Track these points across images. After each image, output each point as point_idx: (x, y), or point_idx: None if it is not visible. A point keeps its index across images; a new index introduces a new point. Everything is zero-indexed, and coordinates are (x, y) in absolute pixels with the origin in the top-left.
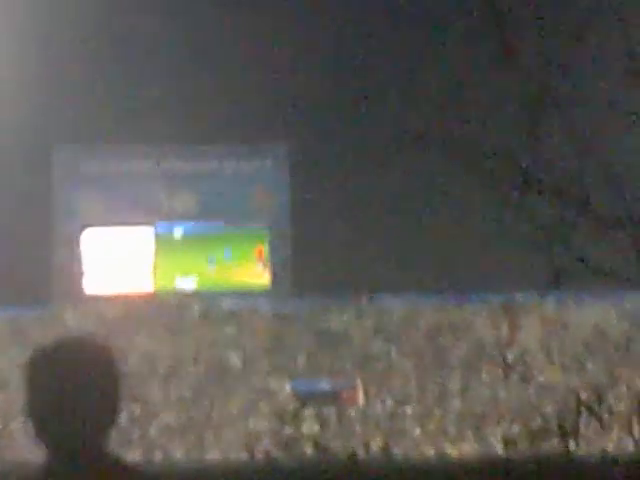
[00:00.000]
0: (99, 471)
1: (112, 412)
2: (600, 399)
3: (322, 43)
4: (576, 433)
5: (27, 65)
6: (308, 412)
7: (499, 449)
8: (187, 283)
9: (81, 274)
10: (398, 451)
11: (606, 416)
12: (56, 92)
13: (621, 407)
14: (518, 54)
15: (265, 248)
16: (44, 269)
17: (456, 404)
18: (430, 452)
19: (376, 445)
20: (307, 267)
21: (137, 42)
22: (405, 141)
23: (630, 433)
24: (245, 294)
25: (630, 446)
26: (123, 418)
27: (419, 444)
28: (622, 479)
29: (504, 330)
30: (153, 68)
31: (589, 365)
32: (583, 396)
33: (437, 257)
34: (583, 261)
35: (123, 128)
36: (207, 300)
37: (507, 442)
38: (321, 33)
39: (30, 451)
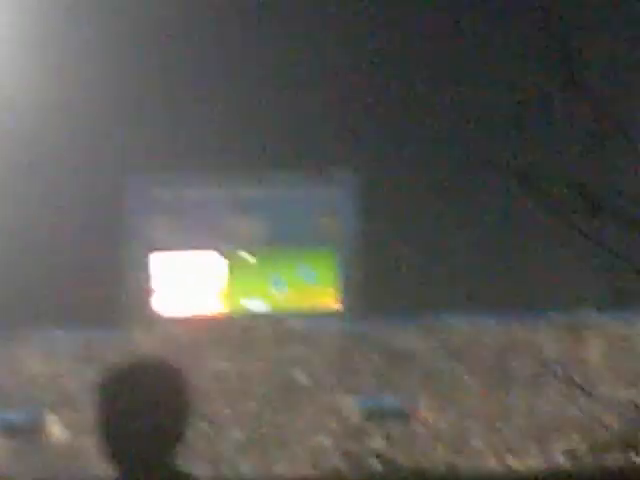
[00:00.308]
0: None
1: (182, 429)
2: None
3: (383, 78)
4: (639, 446)
5: (103, 98)
6: (375, 428)
7: (563, 462)
8: (256, 305)
9: (151, 295)
10: (464, 466)
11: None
12: (130, 123)
13: None
14: (586, 84)
15: (332, 272)
16: (115, 292)
17: (520, 419)
18: (495, 466)
19: (441, 460)
20: (374, 289)
21: (207, 74)
22: (473, 167)
23: None
24: (313, 316)
25: None
26: (193, 435)
27: (484, 458)
28: None
29: (568, 347)
30: (222, 98)
31: None
32: None
33: (503, 277)
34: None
35: (193, 157)
36: (276, 321)
37: (571, 456)
38: (385, 68)
39: (101, 468)
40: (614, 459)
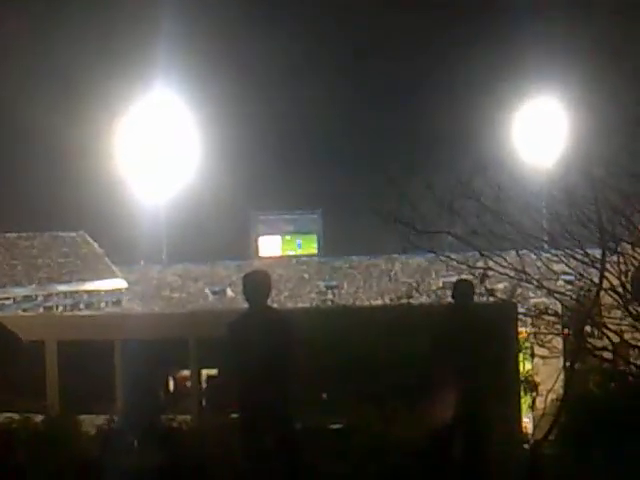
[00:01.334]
0: (263, 309)
1: (269, 292)
2: (418, 285)
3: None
4: (411, 297)
5: (229, 148)
6: (329, 292)
7: (388, 302)
8: (291, 252)
9: (258, 249)
10: (357, 304)
11: (421, 291)
12: (252, 171)
13: (425, 288)
14: None
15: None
16: (248, 249)
17: (374, 289)
18: (366, 304)
19: (350, 301)
20: (331, 248)
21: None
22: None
23: (428, 297)
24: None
25: (426, 300)
26: (271, 293)
27: (362, 301)
28: (425, 310)
29: (389, 267)
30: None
31: (415, 276)
32: (413, 284)
33: (372, 241)
34: (413, 243)
35: (270, 201)
36: (298, 258)
37: (390, 300)
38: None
39: (243, 304)
40: (405, 301)
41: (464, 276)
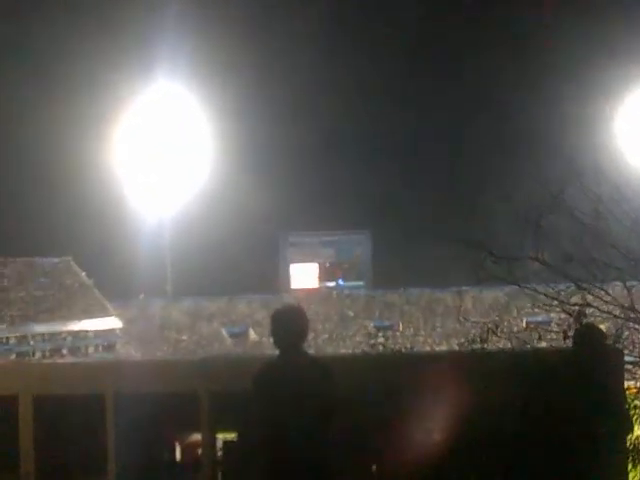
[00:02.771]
0: (298, 356)
1: (305, 334)
2: (496, 327)
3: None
4: (486, 341)
5: (253, 151)
6: (380, 334)
7: (456, 348)
8: (331, 284)
9: (290, 280)
10: (416, 349)
11: (499, 334)
12: (281, 181)
13: (505, 330)
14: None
15: (361, 271)
16: (276, 280)
17: (438, 330)
18: (428, 349)
19: (407, 346)
20: (378, 278)
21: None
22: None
23: (509, 341)
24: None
25: (509, 345)
26: (308, 337)
27: (424, 346)
28: (507, 358)
29: (458, 301)
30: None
31: (491, 314)
32: (490, 326)
33: (433, 271)
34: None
35: (305, 221)
36: (339, 291)
37: (459, 345)
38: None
39: (270, 350)
40: (477, 347)
41: (554, 314)
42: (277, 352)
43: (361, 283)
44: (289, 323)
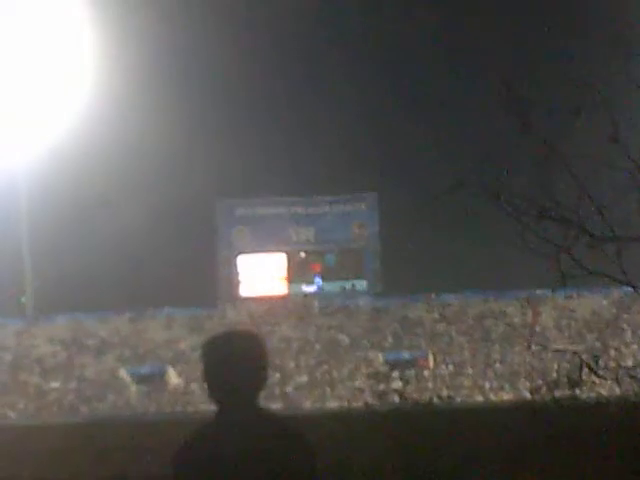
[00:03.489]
0: (252, 416)
1: (263, 377)
2: (596, 360)
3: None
4: (580, 384)
5: (196, 137)
6: (395, 374)
7: (527, 396)
8: (309, 288)
9: (238, 284)
10: (458, 399)
11: (601, 372)
12: (218, 158)
13: (612, 365)
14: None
15: (360, 264)
16: (212, 282)
17: (497, 366)
18: (480, 399)
19: (443, 396)
20: (392, 275)
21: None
22: (455, 189)
23: (617, 383)
24: (349, 294)
25: (617, 391)
26: (268, 381)
27: (472, 394)
28: (616, 412)
29: (529, 315)
30: (285, 144)
31: (588, 337)
32: (584, 358)
33: (482, 266)
34: (582, 266)
35: (264, 185)
36: (324, 299)
37: (532, 391)
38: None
39: (205, 404)
40: (563, 393)
41: None
42: (214, 409)
43: (363, 284)
44: (234, 360)
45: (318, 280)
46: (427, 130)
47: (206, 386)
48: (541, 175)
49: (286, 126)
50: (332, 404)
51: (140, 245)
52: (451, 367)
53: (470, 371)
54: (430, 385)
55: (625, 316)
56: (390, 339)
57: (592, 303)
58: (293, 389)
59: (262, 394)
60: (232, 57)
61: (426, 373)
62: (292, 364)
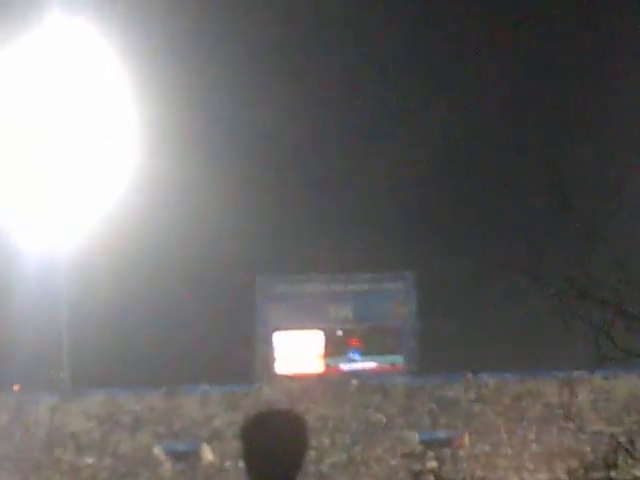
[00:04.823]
0: None
1: (302, 461)
2: (633, 442)
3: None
4: (616, 466)
5: (234, 214)
6: (430, 454)
7: (563, 477)
8: (345, 366)
9: (274, 361)
10: (493, 479)
11: (637, 454)
12: (258, 237)
13: None
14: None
15: (398, 340)
16: (250, 358)
17: (533, 447)
18: None
19: (478, 476)
20: (428, 353)
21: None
22: (497, 268)
23: None
24: (386, 372)
25: None
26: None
27: (507, 475)
28: None
29: (566, 396)
30: (324, 220)
31: (625, 419)
32: (621, 440)
33: (520, 345)
34: (620, 347)
35: (303, 261)
36: (360, 377)
37: (569, 473)
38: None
39: None
40: (599, 476)
41: None
42: None
43: (399, 359)
44: (274, 445)
45: (355, 355)
46: (468, 210)
47: (245, 467)
48: (581, 256)
49: (327, 203)
50: None
51: (177, 319)
52: (487, 447)
53: (506, 452)
54: (465, 466)
55: None
56: (426, 419)
57: (630, 384)
58: (327, 468)
59: (298, 475)
60: (273, 126)
61: (462, 453)
62: (327, 443)
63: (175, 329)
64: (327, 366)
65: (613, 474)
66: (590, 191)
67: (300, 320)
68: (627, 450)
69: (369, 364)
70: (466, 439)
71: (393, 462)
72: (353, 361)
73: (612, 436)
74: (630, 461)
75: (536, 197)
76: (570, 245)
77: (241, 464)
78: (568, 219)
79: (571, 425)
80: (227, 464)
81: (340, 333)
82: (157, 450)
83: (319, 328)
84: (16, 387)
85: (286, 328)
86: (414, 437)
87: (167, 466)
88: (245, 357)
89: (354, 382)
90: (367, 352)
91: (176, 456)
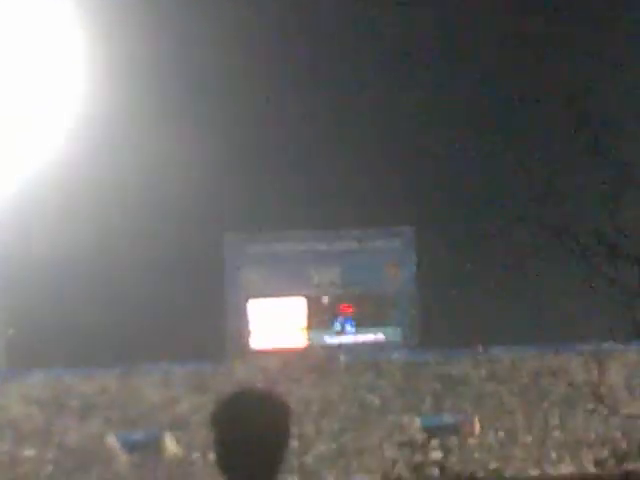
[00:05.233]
0: None
1: (284, 452)
2: None
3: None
4: None
5: (199, 166)
6: (434, 442)
7: (591, 469)
8: (332, 339)
9: (248, 334)
10: (509, 472)
11: None
12: (228, 189)
13: None
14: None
15: (394, 311)
16: (219, 331)
17: (556, 434)
18: (535, 473)
19: (490, 469)
20: (430, 324)
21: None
22: (513, 222)
23: None
24: (380, 346)
25: None
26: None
27: (526, 467)
28: None
29: (594, 373)
30: (304, 167)
31: None
32: None
33: (538, 314)
34: None
35: (279, 217)
36: (350, 352)
37: (597, 463)
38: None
39: (210, 477)
40: (634, 466)
41: None
42: None
43: (397, 332)
44: (249, 433)
45: (344, 326)
46: (476, 152)
47: (216, 458)
48: (612, 206)
49: (305, 145)
50: (359, 478)
51: (132, 289)
52: (501, 434)
53: (524, 439)
54: (476, 456)
55: None
56: (429, 401)
57: None
58: (313, 460)
59: (279, 468)
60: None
61: (471, 441)
62: (311, 429)
63: (129, 299)
64: (311, 339)
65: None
66: (623, 130)
67: (278, 286)
68: None
69: (360, 337)
70: (476, 425)
71: (390, 453)
72: (341, 333)
73: None
74: None
75: (558, 137)
76: (598, 193)
77: (211, 456)
78: (596, 162)
79: (600, 407)
80: (194, 456)
81: (325, 301)
82: (110, 440)
83: (300, 295)
84: None
85: (262, 295)
86: (415, 423)
87: (122, 459)
88: (214, 330)
89: (343, 358)
90: (358, 323)
91: (132, 447)
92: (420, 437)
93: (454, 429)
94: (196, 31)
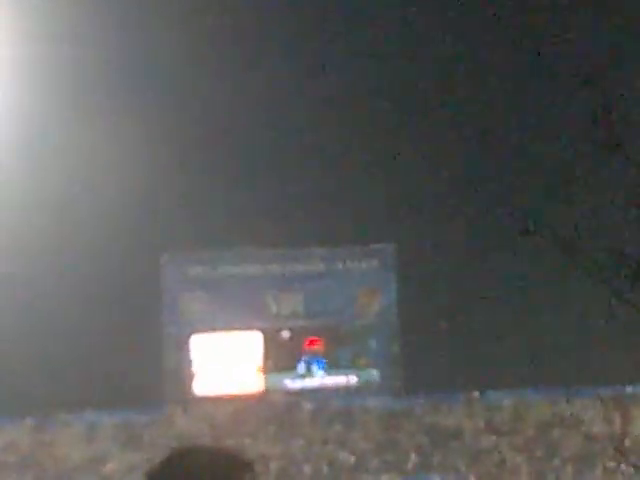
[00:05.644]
0: None
1: None
2: None
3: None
4: None
5: (134, 178)
6: None
7: None
8: (295, 382)
9: (191, 376)
10: None
11: None
12: (162, 202)
13: None
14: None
15: (371, 348)
16: (155, 372)
17: None
18: None
19: None
20: (415, 363)
21: (239, 151)
22: (515, 236)
23: None
24: (354, 392)
25: None
26: None
27: None
28: None
29: (616, 423)
30: (256, 175)
31: None
32: None
33: (547, 351)
34: None
35: (229, 233)
36: (316, 398)
37: None
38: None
39: None
40: None
41: None
42: None
43: (374, 374)
44: None
45: (316, 366)
46: (468, 154)
47: None
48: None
49: (258, 148)
50: None
51: (49, 320)
52: None
53: None
54: None
55: None
56: (413, 458)
57: None
58: None
59: None
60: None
61: None
62: None
63: (45, 334)
64: (268, 383)
65: None
66: None
67: (227, 317)
68: None
69: (329, 380)
70: None
71: None
72: (307, 376)
73: None
74: None
75: (571, 128)
76: (621, 209)
77: None
78: (615, 165)
79: (624, 465)
80: None
81: (286, 335)
82: None
83: (255, 328)
84: None
85: (207, 329)
86: None
87: None
88: (149, 371)
89: (308, 406)
90: (327, 363)
91: None
92: None
93: None
94: (125, 36)
